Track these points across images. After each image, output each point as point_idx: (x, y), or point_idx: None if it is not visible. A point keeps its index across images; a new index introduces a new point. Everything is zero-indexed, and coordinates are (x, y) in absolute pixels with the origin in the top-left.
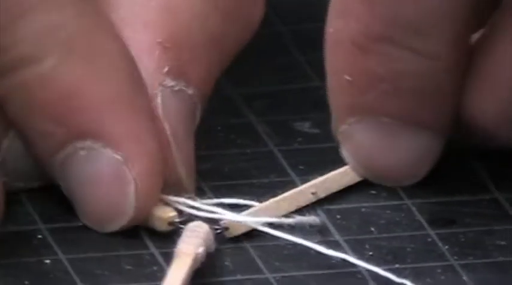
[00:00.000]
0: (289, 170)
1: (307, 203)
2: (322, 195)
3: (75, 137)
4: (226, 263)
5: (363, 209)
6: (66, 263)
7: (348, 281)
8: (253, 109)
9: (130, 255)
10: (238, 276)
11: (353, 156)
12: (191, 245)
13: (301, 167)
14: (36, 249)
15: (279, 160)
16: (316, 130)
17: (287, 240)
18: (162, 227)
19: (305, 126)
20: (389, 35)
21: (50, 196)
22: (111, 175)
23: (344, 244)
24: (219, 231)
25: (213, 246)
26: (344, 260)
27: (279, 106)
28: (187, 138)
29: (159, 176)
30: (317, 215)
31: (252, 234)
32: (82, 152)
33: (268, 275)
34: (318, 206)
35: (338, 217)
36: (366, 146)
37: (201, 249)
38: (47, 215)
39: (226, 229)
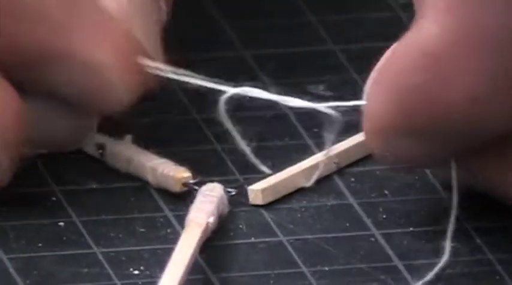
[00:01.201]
0: (304, 133)
1: (330, 172)
2: (343, 164)
3: None
4: (240, 225)
5: (378, 172)
6: (80, 225)
7: (360, 244)
8: (266, 71)
9: (143, 218)
10: (252, 239)
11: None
12: (203, 213)
13: (315, 130)
14: (50, 211)
15: (293, 122)
16: (330, 93)
17: (301, 202)
18: (176, 187)
19: (319, 89)
20: None
21: (63, 159)
22: None
23: (357, 207)
24: (233, 194)
25: (226, 210)
26: (356, 223)
27: (291, 69)
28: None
29: None
30: (332, 178)
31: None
32: None
33: (282, 238)
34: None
35: (352, 179)
36: None
37: (212, 219)
38: (60, 177)
39: (242, 192)
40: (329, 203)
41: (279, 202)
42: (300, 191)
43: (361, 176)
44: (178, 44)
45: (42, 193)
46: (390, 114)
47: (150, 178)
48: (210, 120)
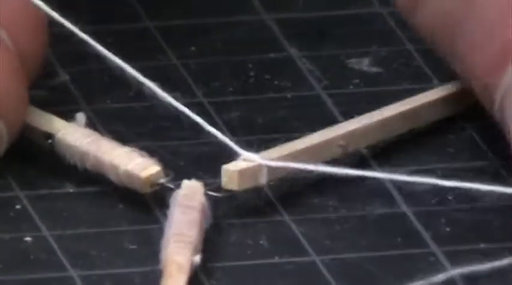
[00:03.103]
0: (341, 121)
1: (333, 157)
2: (351, 149)
3: None
4: (261, 241)
5: (439, 172)
6: (51, 241)
7: (416, 265)
8: (294, 41)
9: (133, 232)
10: (276, 259)
11: None
12: (184, 246)
13: (356, 116)
14: (13, 223)
15: (329, 107)
16: (376, 69)
17: (339, 211)
18: (145, 189)
19: (363, 64)
20: None
21: (29, 155)
22: None
23: (413, 217)
24: (217, 196)
25: (208, 223)
26: (411, 238)
27: (327, 38)
28: None
29: None
30: (378, 179)
31: (293, 203)
32: None
33: (315, 258)
34: (376, 165)
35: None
36: None
37: (198, 257)
38: (26, 179)
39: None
40: (376, 212)
41: (311, 210)
42: (338, 195)
43: (416, 177)
44: (200, 7)
45: (4, 200)
46: None
47: (112, 176)
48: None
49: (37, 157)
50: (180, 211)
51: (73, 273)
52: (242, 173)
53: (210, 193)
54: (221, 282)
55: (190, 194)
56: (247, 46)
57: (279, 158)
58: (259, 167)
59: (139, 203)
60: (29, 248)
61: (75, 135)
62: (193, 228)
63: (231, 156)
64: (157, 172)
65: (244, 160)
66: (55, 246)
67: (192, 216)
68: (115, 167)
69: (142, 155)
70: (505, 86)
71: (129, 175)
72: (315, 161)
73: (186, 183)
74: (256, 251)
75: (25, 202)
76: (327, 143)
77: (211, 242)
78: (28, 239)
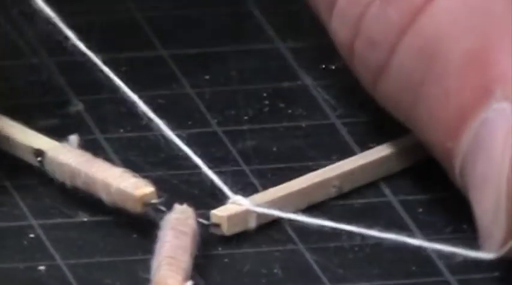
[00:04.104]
0: (356, 149)
1: (327, 198)
2: (346, 189)
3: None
4: (275, 270)
5: (451, 202)
6: (65, 269)
7: None
8: (308, 68)
9: (148, 261)
10: None
11: None
12: (176, 274)
13: (371, 145)
14: (27, 251)
15: (343, 135)
16: None
17: (353, 239)
18: (136, 208)
19: None
20: None
21: (43, 184)
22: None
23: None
24: (207, 224)
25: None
26: (426, 266)
27: (343, 66)
28: None
29: None
30: (391, 207)
31: (306, 231)
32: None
33: None
34: (390, 193)
35: (420, 210)
36: None
37: (190, 283)
38: (40, 208)
39: (216, 225)
40: (389, 240)
41: (323, 238)
42: (351, 222)
43: (430, 206)
44: (214, 35)
45: (17, 228)
46: None
47: (103, 195)
48: None
49: (51, 185)
50: (172, 235)
51: None
52: (230, 218)
53: (201, 220)
54: None
55: (183, 218)
56: (261, 74)
57: (271, 202)
58: (248, 212)
59: (152, 232)
60: (43, 277)
61: (67, 154)
62: (186, 253)
63: (244, 187)
64: (151, 193)
65: (233, 203)
66: (69, 275)
67: (184, 241)
68: (108, 186)
69: (136, 176)
70: (462, 153)
71: (122, 193)
72: (309, 202)
73: (178, 208)
74: (270, 280)
75: (38, 230)
76: (321, 185)
77: (226, 270)
78: (42, 268)
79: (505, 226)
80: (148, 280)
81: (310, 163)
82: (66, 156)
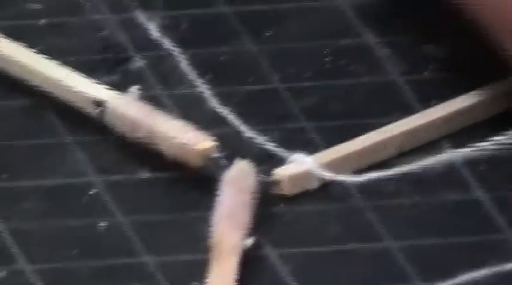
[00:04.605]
0: (418, 107)
1: (387, 157)
2: (406, 149)
3: None
4: (332, 227)
5: None
6: (127, 226)
7: (493, 252)
8: (369, 25)
9: (209, 217)
10: (350, 246)
11: None
12: (234, 231)
13: (434, 101)
14: (87, 208)
15: (405, 92)
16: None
17: (413, 197)
18: (197, 161)
19: (439, 50)
20: None
21: (103, 141)
22: None
23: (489, 203)
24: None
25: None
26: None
27: (404, 22)
28: None
29: None
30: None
31: (367, 189)
32: None
33: (390, 244)
34: (449, 147)
35: (482, 168)
36: None
37: (250, 241)
38: (100, 165)
39: (277, 183)
40: (448, 197)
41: (384, 194)
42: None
43: (494, 163)
44: None
45: (77, 185)
46: None
47: (164, 147)
48: None
49: (110, 142)
50: (232, 192)
51: (147, 259)
52: (291, 178)
53: (262, 177)
54: (296, 265)
55: (243, 175)
56: (323, 32)
57: (333, 161)
58: (309, 173)
59: (213, 189)
60: (104, 235)
61: (128, 105)
62: (245, 210)
63: (306, 145)
64: (212, 146)
65: (293, 162)
66: (130, 233)
67: (243, 198)
68: (169, 138)
69: (197, 130)
70: None
71: (183, 147)
72: (370, 162)
73: (238, 164)
74: (326, 237)
75: (99, 188)
76: (383, 144)
77: (286, 227)
78: (102, 224)
79: None
80: (208, 237)
81: (372, 120)
82: (127, 108)
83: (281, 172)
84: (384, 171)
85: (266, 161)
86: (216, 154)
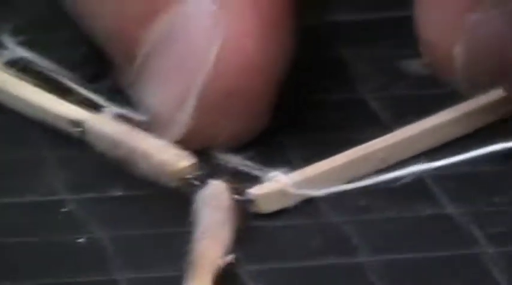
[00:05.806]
0: (393, 124)
1: (372, 170)
2: (392, 161)
3: None
4: (312, 242)
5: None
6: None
7: (467, 267)
8: (343, 41)
9: (186, 234)
10: (327, 261)
11: None
12: (213, 251)
13: (409, 118)
14: (61, 225)
15: (373, 111)
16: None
17: (389, 212)
18: (172, 181)
19: (413, 65)
20: None
21: (78, 159)
22: None
23: (460, 219)
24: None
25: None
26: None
27: (375, 38)
28: None
29: None
30: (419, 179)
31: (344, 205)
32: None
33: (365, 259)
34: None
35: (453, 184)
36: None
37: (229, 257)
38: (73, 182)
39: (251, 201)
40: (422, 213)
41: (361, 211)
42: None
43: (462, 178)
44: None
45: (49, 203)
46: None
47: (144, 165)
48: None
49: (84, 159)
50: (209, 210)
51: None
52: (265, 197)
53: (236, 197)
54: (273, 281)
55: (218, 194)
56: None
57: (311, 178)
58: (285, 191)
59: (188, 206)
60: (81, 250)
61: (107, 124)
62: (224, 228)
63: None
64: (192, 165)
65: (270, 181)
66: (109, 248)
67: (221, 216)
68: (149, 156)
69: (176, 148)
70: (151, 42)
71: (163, 164)
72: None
73: (213, 183)
74: (311, 252)
75: (71, 205)
76: (366, 158)
77: (266, 242)
78: (81, 240)
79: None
80: (186, 253)
81: (347, 136)
82: (107, 126)
83: (255, 192)
84: (354, 184)
85: (243, 180)
86: (194, 172)
